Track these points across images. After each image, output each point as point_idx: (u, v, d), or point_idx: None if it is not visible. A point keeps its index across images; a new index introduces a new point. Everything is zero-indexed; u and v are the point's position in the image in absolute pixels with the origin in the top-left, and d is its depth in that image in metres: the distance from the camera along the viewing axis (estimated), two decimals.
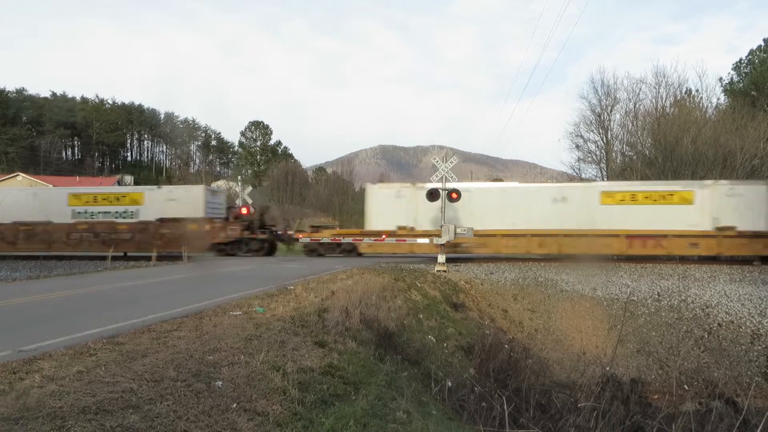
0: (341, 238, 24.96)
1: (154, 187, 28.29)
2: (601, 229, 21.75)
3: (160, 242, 24.77)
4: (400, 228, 23.10)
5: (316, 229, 27.93)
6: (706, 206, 21.56)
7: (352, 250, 24.52)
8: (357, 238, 24.21)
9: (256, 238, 25.94)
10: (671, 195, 22.06)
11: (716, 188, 21.89)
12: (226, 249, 25.52)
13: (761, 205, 21.26)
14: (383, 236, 22.88)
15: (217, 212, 26.33)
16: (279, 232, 27.56)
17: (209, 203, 25.66)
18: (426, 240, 21.56)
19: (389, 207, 23.57)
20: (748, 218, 21.07)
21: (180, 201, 25.34)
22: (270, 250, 26.77)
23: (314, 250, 25.18)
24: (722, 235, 21.13)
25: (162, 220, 25.00)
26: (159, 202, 25.38)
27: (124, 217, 25.49)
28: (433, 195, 18.60)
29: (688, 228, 21.42)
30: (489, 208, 22.70)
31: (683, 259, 21.72)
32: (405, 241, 22.89)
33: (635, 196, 22.42)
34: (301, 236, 25.99)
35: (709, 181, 23.12)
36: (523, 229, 22.41)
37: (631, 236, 21.66)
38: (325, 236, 25.26)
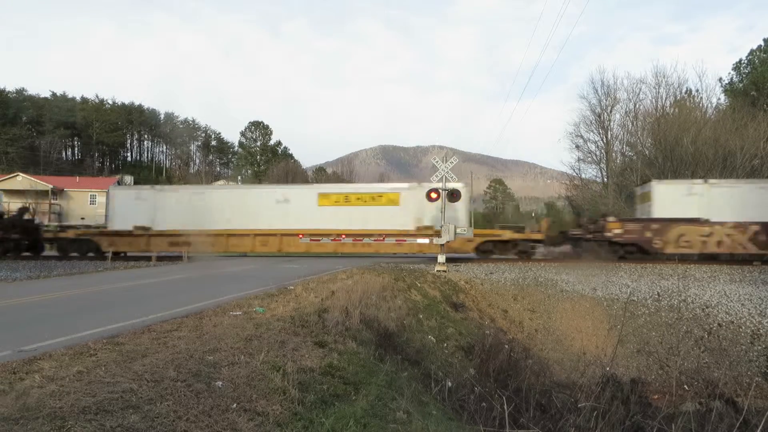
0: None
1: None
2: (319, 228, 23.18)
3: None
4: (137, 227, 24.48)
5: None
6: (410, 207, 23.08)
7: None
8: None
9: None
10: (380, 197, 23.64)
11: (420, 190, 22.98)
12: None
13: (459, 206, 22.32)
14: (385, 237, 22.96)
15: None
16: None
17: None
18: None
19: (131, 208, 24.95)
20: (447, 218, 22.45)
21: None
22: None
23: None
24: (422, 234, 22.65)
25: None
26: None
27: None
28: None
29: (395, 228, 22.93)
30: (228, 209, 24.28)
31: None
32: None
33: (348, 198, 23.96)
34: None
35: (414, 183, 24.71)
36: (249, 228, 23.67)
37: (345, 235, 23.10)
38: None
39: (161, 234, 24.28)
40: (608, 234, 21.74)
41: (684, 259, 21.17)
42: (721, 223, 21.07)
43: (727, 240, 21.03)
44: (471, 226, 25.00)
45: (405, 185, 24.70)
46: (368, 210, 23.50)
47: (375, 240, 23.07)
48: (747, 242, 21.02)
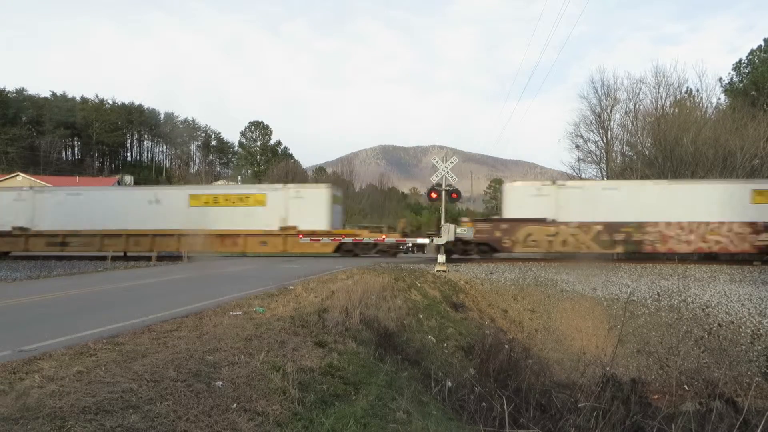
0: None
1: None
2: (190, 228, 23.56)
3: None
4: (15, 228, 24.88)
5: None
6: (276, 208, 23.81)
7: None
8: None
9: None
10: (247, 197, 24.29)
11: (285, 191, 24.42)
12: None
13: (320, 207, 23.73)
14: (385, 236, 22.98)
15: None
16: None
17: None
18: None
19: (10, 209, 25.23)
20: (309, 219, 23.51)
21: None
22: None
23: None
24: (285, 234, 23.26)
25: None
26: None
27: None
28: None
29: (261, 228, 23.53)
30: (103, 210, 24.68)
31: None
32: None
33: (217, 199, 24.57)
34: None
35: (278, 185, 25.67)
36: (122, 229, 24.11)
37: (212, 235, 23.50)
38: None
39: (39, 234, 24.66)
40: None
41: (684, 259, 21.21)
42: (566, 223, 21.62)
43: (572, 239, 21.64)
44: (344, 225, 26.78)
45: (271, 186, 26.03)
46: (236, 210, 24.18)
47: (242, 239, 23.81)
48: (590, 242, 21.60)
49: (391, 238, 22.63)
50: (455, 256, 22.04)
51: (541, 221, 21.74)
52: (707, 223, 21.05)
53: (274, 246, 23.46)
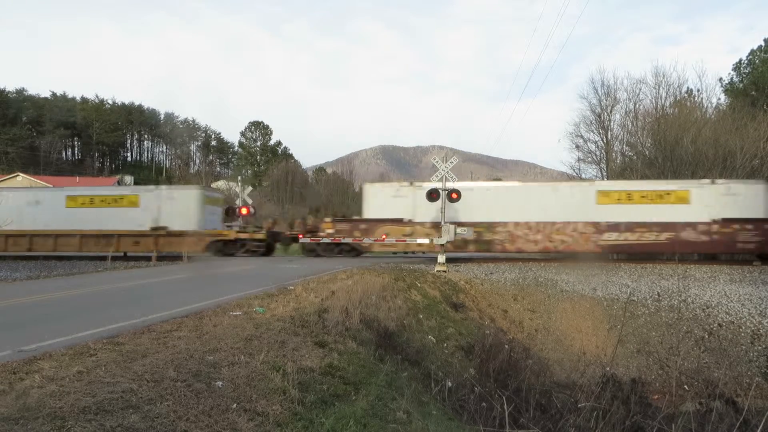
0: None
1: None
2: (66, 229, 24.20)
3: None
4: None
5: None
6: (149, 209, 24.45)
7: None
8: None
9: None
10: (122, 199, 24.99)
11: (158, 192, 25.15)
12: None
13: (191, 208, 24.42)
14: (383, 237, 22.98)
15: None
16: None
17: None
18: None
19: None
20: (179, 219, 24.09)
21: None
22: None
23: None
24: (156, 234, 23.91)
25: None
26: None
27: None
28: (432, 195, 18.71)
29: (134, 228, 24.05)
30: None
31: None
32: None
33: (93, 200, 25.14)
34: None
35: (152, 186, 26.47)
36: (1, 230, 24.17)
37: (87, 236, 24.06)
38: None
39: None
40: (322, 234, 23.30)
41: (683, 259, 21.22)
42: (422, 224, 22.12)
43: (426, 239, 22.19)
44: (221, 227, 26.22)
45: (145, 188, 26.92)
46: (111, 211, 24.72)
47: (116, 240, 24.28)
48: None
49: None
50: (323, 255, 23.29)
51: (398, 221, 22.45)
52: (553, 223, 21.61)
53: (146, 246, 24.06)
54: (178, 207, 24.37)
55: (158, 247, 23.93)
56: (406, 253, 25.06)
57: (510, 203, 22.10)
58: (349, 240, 22.81)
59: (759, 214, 21.06)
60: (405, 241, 21.74)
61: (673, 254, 20.25)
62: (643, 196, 21.60)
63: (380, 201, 23.15)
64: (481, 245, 22.09)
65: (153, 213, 24.34)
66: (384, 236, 22.10)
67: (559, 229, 21.56)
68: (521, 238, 21.70)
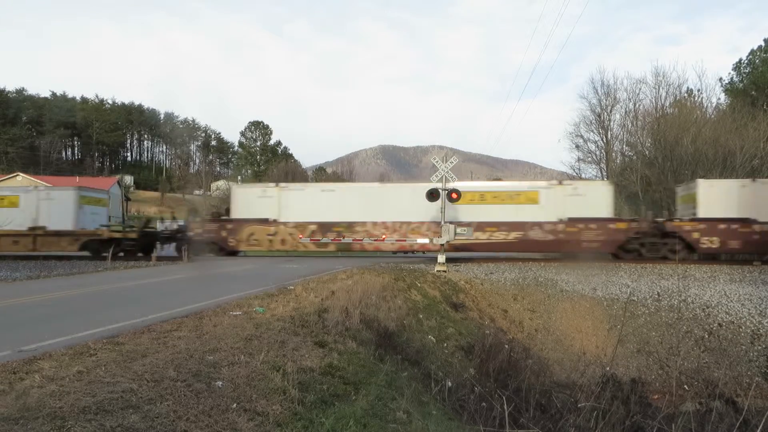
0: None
1: None
2: None
3: None
4: None
5: None
6: (27, 209, 24.63)
7: None
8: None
9: None
10: (2, 199, 25.23)
11: (36, 193, 25.33)
12: None
13: (68, 208, 24.52)
14: (383, 236, 23.01)
15: None
16: None
17: None
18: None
19: None
20: (58, 219, 24.16)
21: None
22: None
23: None
24: (34, 234, 24.13)
25: None
26: None
27: None
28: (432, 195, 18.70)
29: (14, 228, 24.22)
30: None
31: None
32: None
33: None
34: None
35: (31, 187, 26.67)
36: None
37: None
38: None
39: None
40: (191, 233, 23.71)
41: (684, 259, 21.21)
42: (285, 223, 22.93)
43: (290, 239, 22.95)
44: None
45: (24, 188, 27.26)
46: None
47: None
48: (306, 240, 23.06)
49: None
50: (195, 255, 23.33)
51: (263, 221, 23.02)
52: (409, 223, 22.22)
53: (25, 246, 24.29)
54: (56, 207, 24.69)
55: (36, 246, 24.28)
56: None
57: (371, 203, 22.74)
58: (212, 237, 23.31)
59: (604, 214, 21.48)
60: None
61: (523, 252, 21.02)
62: (495, 197, 22.22)
63: (247, 201, 23.77)
64: (341, 245, 22.76)
65: (32, 213, 24.71)
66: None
67: (414, 229, 22.17)
68: (378, 237, 22.36)
